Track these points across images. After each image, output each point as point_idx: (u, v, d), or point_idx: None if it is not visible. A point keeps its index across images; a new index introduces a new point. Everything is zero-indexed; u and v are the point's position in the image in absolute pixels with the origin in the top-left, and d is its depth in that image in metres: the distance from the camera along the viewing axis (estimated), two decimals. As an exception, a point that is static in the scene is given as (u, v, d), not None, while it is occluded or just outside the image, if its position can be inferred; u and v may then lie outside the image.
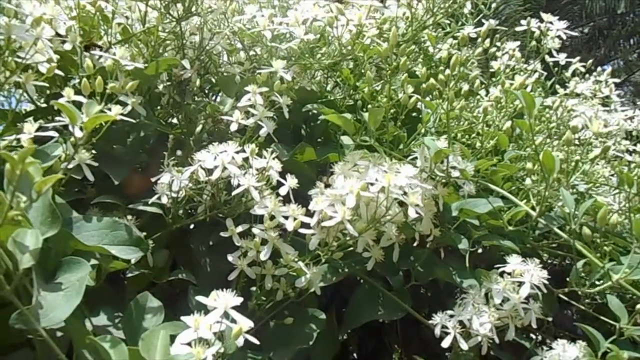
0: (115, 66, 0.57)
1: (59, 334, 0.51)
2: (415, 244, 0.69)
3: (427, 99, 0.71)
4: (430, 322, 0.61)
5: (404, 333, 1.08)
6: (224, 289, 0.64)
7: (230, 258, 0.58)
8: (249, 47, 0.74)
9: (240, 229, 0.58)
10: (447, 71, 0.58)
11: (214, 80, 0.80)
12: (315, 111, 0.85)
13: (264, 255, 0.54)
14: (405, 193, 0.53)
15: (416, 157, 0.65)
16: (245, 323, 0.41)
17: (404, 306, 0.66)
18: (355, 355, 1.15)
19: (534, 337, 0.78)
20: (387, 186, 0.52)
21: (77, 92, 0.54)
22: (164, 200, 0.59)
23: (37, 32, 0.48)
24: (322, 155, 0.74)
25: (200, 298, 0.43)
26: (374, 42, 0.65)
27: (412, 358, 1.15)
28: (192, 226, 0.69)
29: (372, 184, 0.53)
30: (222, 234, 0.58)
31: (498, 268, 0.64)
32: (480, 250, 0.82)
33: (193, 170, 0.58)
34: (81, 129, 0.46)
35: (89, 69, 0.53)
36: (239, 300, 0.42)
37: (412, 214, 0.52)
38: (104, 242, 0.49)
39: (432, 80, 0.59)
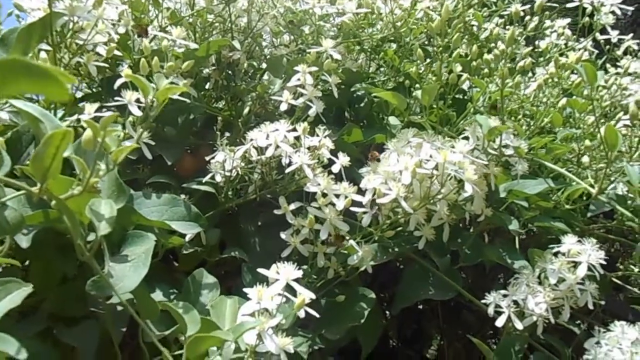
0: (168, 47, 0.58)
1: (119, 308, 0.53)
2: (467, 225, 0.68)
3: (476, 77, 0.70)
4: (482, 301, 0.61)
5: (444, 318, 1.07)
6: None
7: (283, 235, 0.58)
8: (295, 27, 0.74)
9: (293, 206, 0.58)
10: (501, 47, 0.57)
11: (256, 62, 0.81)
12: (359, 93, 0.85)
13: (322, 234, 0.54)
14: (461, 169, 0.52)
15: (466, 136, 0.64)
16: (307, 294, 0.41)
17: (455, 286, 0.65)
18: (394, 340, 1.15)
19: (579, 322, 0.76)
20: (442, 162, 0.51)
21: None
22: (218, 178, 0.59)
23: (98, 12, 0.49)
24: (368, 136, 0.74)
25: (262, 270, 0.44)
26: (422, 19, 0.64)
27: (452, 343, 1.14)
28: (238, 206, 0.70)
29: (426, 161, 0.53)
30: (275, 211, 0.58)
31: (552, 248, 0.62)
32: (523, 233, 0.80)
33: (246, 149, 0.58)
34: (141, 108, 0.47)
35: (146, 49, 0.54)
36: (299, 273, 0.43)
37: (468, 189, 0.52)
38: (163, 217, 0.51)
39: (485, 56, 0.58)
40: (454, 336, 1.11)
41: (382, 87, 0.86)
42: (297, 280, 0.43)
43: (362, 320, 0.60)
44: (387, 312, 0.94)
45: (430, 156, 0.53)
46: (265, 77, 0.79)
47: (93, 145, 0.31)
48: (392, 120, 0.72)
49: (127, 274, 0.40)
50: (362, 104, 0.85)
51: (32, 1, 0.49)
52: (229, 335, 0.35)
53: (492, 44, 0.87)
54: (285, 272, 0.42)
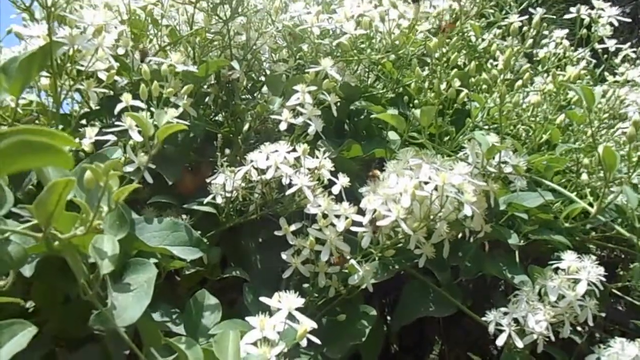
0: (169, 69, 0.58)
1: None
2: (465, 239, 0.68)
3: (474, 92, 0.70)
4: (483, 319, 0.61)
5: (446, 326, 1.07)
6: (275, 285, 0.66)
7: (284, 256, 0.59)
8: (293, 44, 0.74)
9: (293, 227, 0.58)
10: (499, 65, 0.57)
11: (255, 75, 0.81)
12: (358, 106, 0.85)
13: (324, 255, 0.54)
14: (459, 191, 0.53)
15: (465, 152, 0.64)
16: (309, 323, 0.42)
17: (455, 302, 0.66)
18: (396, 347, 1.16)
19: (580, 329, 0.76)
20: (441, 185, 0.51)
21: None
22: (219, 200, 0.60)
23: (98, 41, 0.49)
24: (367, 151, 0.75)
25: (264, 299, 0.44)
26: (418, 36, 0.64)
27: (453, 348, 1.14)
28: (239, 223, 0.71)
29: (426, 183, 0.53)
30: (276, 232, 0.59)
31: (551, 264, 0.63)
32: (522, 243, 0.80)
33: (246, 170, 0.59)
34: (141, 133, 0.47)
35: (145, 74, 0.54)
36: (301, 301, 0.43)
37: (467, 211, 0.52)
38: (165, 242, 0.51)
39: (484, 75, 0.58)
40: (455, 342, 1.12)
41: (381, 98, 0.86)
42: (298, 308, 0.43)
43: (364, 339, 0.61)
44: (389, 318, 0.95)
45: (430, 178, 0.53)
46: (264, 91, 0.80)
47: (94, 185, 0.31)
48: (392, 135, 0.73)
49: (130, 304, 0.41)
50: (361, 117, 0.85)
51: (32, 30, 0.49)
52: None
53: (489, 55, 0.88)
54: (287, 301, 0.43)
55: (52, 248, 0.44)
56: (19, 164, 0.17)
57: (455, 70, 0.61)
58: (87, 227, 0.30)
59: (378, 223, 0.53)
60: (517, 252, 0.73)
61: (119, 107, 0.54)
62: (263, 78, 0.79)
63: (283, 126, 0.63)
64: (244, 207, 0.65)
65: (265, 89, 0.79)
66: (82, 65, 0.51)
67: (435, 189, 0.52)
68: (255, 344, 0.41)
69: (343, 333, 0.61)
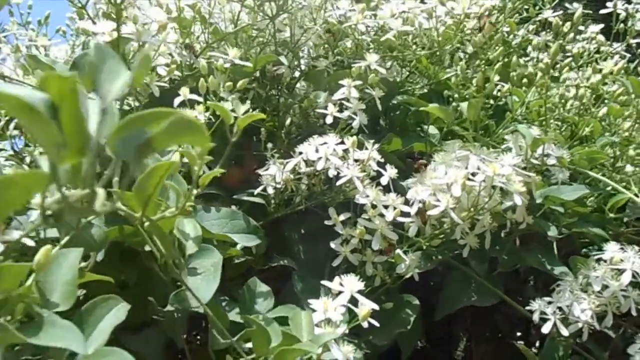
0: (219, 65, 0.60)
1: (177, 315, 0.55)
2: (498, 232, 0.69)
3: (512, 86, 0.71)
4: (527, 308, 0.62)
5: (474, 321, 1.08)
6: (319, 275, 0.68)
7: (332, 245, 0.61)
8: (333, 41, 0.76)
9: (342, 217, 0.60)
10: (545, 59, 0.58)
11: (291, 74, 0.83)
12: (394, 101, 0.87)
13: (374, 244, 0.56)
14: (508, 181, 0.54)
15: (507, 145, 0.66)
16: (371, 305, 0.43)
17: (497, 292, 0.67)
18: (422, 341, 1.17)
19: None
20: (491, 175, 0.53)
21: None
22: (270, 190, 0.62)
23: (162, 36, 0.52)
24: (407, 145, 0.76)
25: (327, 283, 0.46)
26: (463, 32, 0.65)
27: (480, 344, 1.15)
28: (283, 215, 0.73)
29: (475, 173, 0.54)
30: (326, 222, 0.60)
31: (593, 255, 0.64)
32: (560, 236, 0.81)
33: (296, 162, 0.60)
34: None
35: (203, 69, 0.56)
36: (362, 285, 0.45)
37: (517, 201, 0.53)
38: (224, 230, 0.53)
39: (529, 69, 0.60)
40: (482, 338, 1.12)
41: (414, 93, 0.88)
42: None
43: (409, 327, 0.62)
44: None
45: (478, 168, 0.54)
46: (298, 86, 0.82)
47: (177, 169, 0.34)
48: (432, 129, 0.74)
49: (200, 286, 0.43)
50: (397, 112, 0.87)
51: (98, 26, 0.52)
52: (314, 347, 0.37)
53: (524, 50, 0.89)
54: (349, 284, 0.44)
55: (123, 233, 0.46)
56: (178, 139, 0.19)
57: (499, 65, 0.63)
58: (180, 210, 0.32)
59: (429, 213, 0.55)
60: (554, 244, 0.75)
61: (177, 100, 0.56)
62: (297, 74, 0.81)
63: (329, 120, 0.65)
64: (290, 198, 0.67)
65: (299, 84, 0.81)
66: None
67: (486, 179, 0.53)
68: (318, 325, 0.43)
69: (390, 321, 0.62)
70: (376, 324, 0.45)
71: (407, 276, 0.62)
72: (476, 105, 0.58)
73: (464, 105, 0.62)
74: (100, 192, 0.20)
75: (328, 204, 0.63)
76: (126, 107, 0.74)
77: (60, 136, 0.17)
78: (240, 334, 0.50)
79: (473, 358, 1.11)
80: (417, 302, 0.65)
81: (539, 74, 0.62)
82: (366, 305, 0.43)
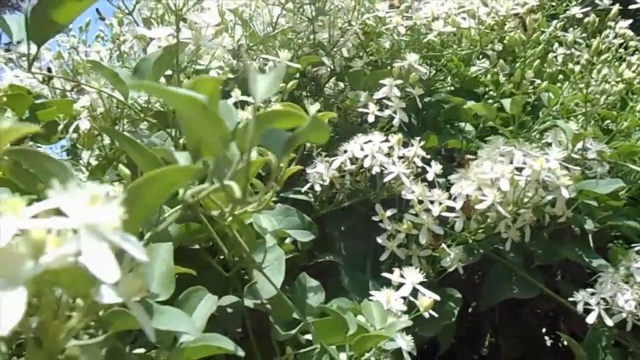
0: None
1: (229, 310, 0.57)
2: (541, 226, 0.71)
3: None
4: (570, 299, 0.64)
5: (502, 317, 1.09)
6: (361, 270, 0.69)
7: (379, 240, 0.62)
8: (367, 42, 0.78)
9: (389, 212, 0.62)
10: (585, 55, 0.60)
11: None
12: (426, 100, 0.88)
13: (422, 238, 0.58)
14: (554, 175, 0.55)
15: (546, 141, 0.67)
16: (433, 296, 0.45)
17: (539, 285, 0.68)
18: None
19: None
20: (538, 169, 0.54)
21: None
22: (317, 188, 0.63)
23: (218, 40, 0.54)
24: (442, 142, 0.78)
25: (387, 274, 0.48)
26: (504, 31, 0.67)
27: (506, 341, 1.16)
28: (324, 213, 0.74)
29: (521, 168, 0.56)
30: (373, 218, 0.62)
31: (634, 247, 0.65)
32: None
33: (342, 160, 0.62)
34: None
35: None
36: (422, 276, 0.47)
37: (565, 194, 0.55)
38: (280, 226, 0.55)
39: (569, 65, 0.61)
40: (509, 334, 1.14)
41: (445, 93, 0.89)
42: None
43: (453, 319, 0.64)
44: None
45: (524, 163, 0.56)
46: (330, 85, 0.83)
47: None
48: (468, 127, 0.76)
49: (266, 280, 0.45)
50: (429, 110, 0.88)
51: (155, 32, 0.54)
52: (393, 333, 0.39)
53: (551, 47, 0.90)
54: (410, 276, 0.46)
55: (190, 230, 0.48)
56: (310, 137, 0.21)
57: (539, 61, 0.64)
58: (264, 204, 0.34)
59: (476, 207, 0.56)
60: (590, 237, 0.76)
61: (230, 102, 0.58)
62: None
63: (371, 118, 0.67)
64: (333, 196, 0.69)
65: (330, 83, 0.83)
66: (199, 64, 0.55)
67: (533, 174, 0.55)
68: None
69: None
70: (435, 315, 0.47)
71: (451, 270, 0.64)
72: (520, 101, 0.60)
73: (506, 102, 0.64)
74: (234, 185, 0.22)
75: (373, 200, 0.64)
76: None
77: (227, 131, 0.19)
78: (300, 326, 0.52)
79: (500, 354, 1.12)
80: (459, 295, 0.66)
81: (577, 69, 0.63)
82: (429, 297, 0.45)
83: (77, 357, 0.16)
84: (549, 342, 1.24)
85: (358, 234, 0.73)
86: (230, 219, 0.35)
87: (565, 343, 1.14)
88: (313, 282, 0.61)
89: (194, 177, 0.21)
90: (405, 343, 0.43)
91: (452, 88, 0.90)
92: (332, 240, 0.75)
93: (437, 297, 0.46)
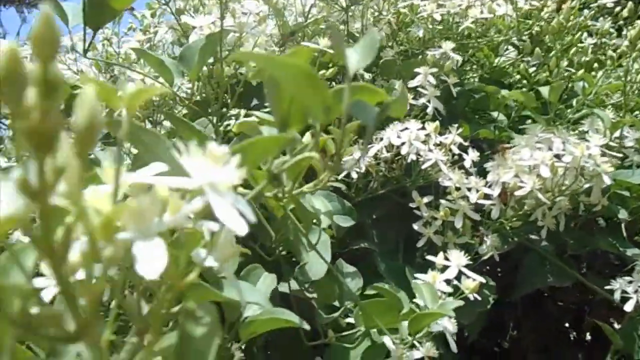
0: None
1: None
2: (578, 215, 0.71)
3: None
4: (607, 287, 0.64)
5: (524, 310, 1.09)
6: (394, 257, 0.70)
7: (415, 227, 0.63)
8: (399, 30, 0.78)
9: (426, 199, 0.62)
10: (625, 43, 0.60)
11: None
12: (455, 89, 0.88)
13: (457, 222, 0.58)
14: (594, 161, 0.55)
15: (582, 129, 0.67)
16: (479, 279, 0.46)
17: (574, 273, 0.68)
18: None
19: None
20: (579, 156, 0.54)
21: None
22: (354, 175, 0.64)
23: (261, 28, 0.54)
24: (473, 131, 0.78)
25: (431, 257, 0.48)
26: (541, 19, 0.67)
27: (529, 333, 1.16)
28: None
29: (560, 155, 0.56)
30: (411, 204, 0.62)
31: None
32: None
33: (379, 148, 0.63)
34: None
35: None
36: (467, 259, 0.47)
37: (607, 181, 0.55)
38: (322, 211, 0.55)
39: (609, 52, 0.61)
40: (530, 327, 1.13)
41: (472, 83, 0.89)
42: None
43: (489, 307, 0.64)
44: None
45: (564, 150, 0.56)
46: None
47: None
48: (500, 116, 0.76)
49: (314, 262, 0.45)
50: (458, 101, 0.88)
51: (198, 20, 0.55)
52: (449, 311, 0.39)
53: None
54: (455, 258, 0.47)
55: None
56: (397, 110, 0.22)
57: (575, 49, 0.64)
58: (322, 184, 0.34)
59: (516, 193, 0.56)
60: (623, 227, 0.75)
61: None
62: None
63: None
64: (367, 184, 0.69)
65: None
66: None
67: (574, 160, 0.55)
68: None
69: (470, 301, 0.64)
70: (478, 297, 0.47)
71: (486, 257, 0.64)
72: (558, 88, 0.60)
73: (544, 89, 0.64)
74: (317, 156, 0.22)
75: (409, 188, 0.65)
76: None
77: (329, 97, 0.20)
78: (341, 310, 0.52)
79: (521, 348, 1.12)
80: (493, 283, 0.67)
81: (614, 58, 0.63)
82: (474, 279, 0.45)
83: (193, 310, 0.17)
84: (572, 336, 1.23)
85: (390, 222, 0.73)
86: (286, 199, 0.36)
87: (589, 337, 1.14)
88: (350, 268, 0.61)
89: (283, 146, 0.21)
90: (452, 325, 0.44)
91: (478, 79, 0.90)
92: (364, 228, 0.76)
93: (483, 280, 0.47)
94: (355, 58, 0.21)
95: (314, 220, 0.41)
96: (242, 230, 0.15)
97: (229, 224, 0.15)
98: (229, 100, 0.60)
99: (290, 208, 0.42)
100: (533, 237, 0.70)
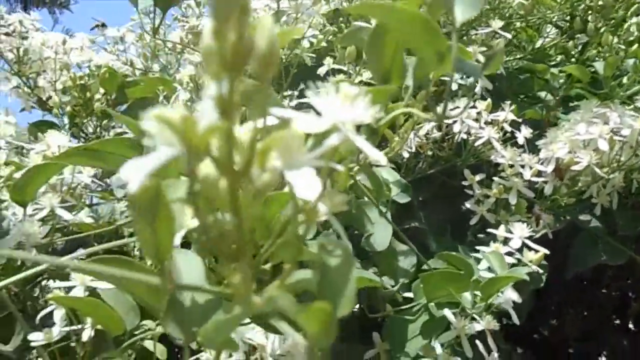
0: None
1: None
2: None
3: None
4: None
5: (568, 296, 1.08)
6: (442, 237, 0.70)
7: (468, 205, 0.63)
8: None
9: (478, 177, 0.62)
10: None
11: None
12: (498, 72, 0.88)
13: (512, 200, 0.58)
14: (653, 136, 0.55)
15: (635, 105, 0.66)
16: (543, 250, 0.46)
17: (627, 252, 0.68)
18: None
19: None
20: (638, 128, 0.54)
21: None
22: (405, 155, 0.65)
23: (316, 8, 0.55)
24: (520, 112, 0.78)
25: (492, 230, 0.49)
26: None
27: (571, 319, 1.14)
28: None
29: (616, 130, 0.55)
30: (463, 182, 0.63)
31: None
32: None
33: (429, 127, 0.63)
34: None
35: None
36: (529, 231, 0.47)
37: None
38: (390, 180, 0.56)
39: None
40: (573, 313, 1.12)
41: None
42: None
43: (542, 284, 0.64)
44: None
45: (621, 124, 0.55)
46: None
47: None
48: (547, 96, 0.75)
49: (379, 233, 0.46)
50: (502, 82, 0.88)
51: (254, 3, 0.56)
52: (522, 275, 0.40)
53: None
54: (518, 230, 0.47)
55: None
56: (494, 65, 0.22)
57: (629, 24, 0.63)
58: (393, 152, 0.35)
59: (572, 168, 0.56)
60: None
61: (322, 69, 0.60)
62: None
63: (454, 86, 0.67)
64: (416, 164, 0.70)
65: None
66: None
67: (632, 134, 0.54)
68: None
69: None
70: (540, 270, 0.47)
71: (538, 235, 0.64)
72: (613, 62, 0.59)
73: (599, 65, 0.63)
74: (416, 111, 0.23)
75: (459, 167, 0.65)
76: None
77: (445, 44, 0.20)
78: (399, 285, 0.53)
79: (563, 334, 1.11)
80: (545, 262, 0.67)
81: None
82: (538, 250, 0.46)
83: (327, 244, 0.18)
84: (616, 323, 1.21)
85: (436, 203, 0.74)
86: (356, 168, 0.37)
87: (633, 324, 1.12)
88: (402, 246, 0.62)
89: (390, 98, 0.22)
90: (516, 295, 0.44)
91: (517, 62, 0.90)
92: (413, 209, 0.77)
93: (546, 251, 0.47)
94: (461, 9, 0.22)
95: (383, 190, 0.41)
96: (382, 161, 0.16)
97: (370, 154, 0.16)
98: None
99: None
100: (583, 218, 0.70)
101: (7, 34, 0.78)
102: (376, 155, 0.16)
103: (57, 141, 0.50)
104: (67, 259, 0.30)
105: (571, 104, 0.71)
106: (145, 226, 0.15)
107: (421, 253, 0.68)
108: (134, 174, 0.12)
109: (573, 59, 0.75)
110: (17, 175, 0.49)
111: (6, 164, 0.50)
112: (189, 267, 0.22)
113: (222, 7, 0.13)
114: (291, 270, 0.18)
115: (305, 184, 0.15)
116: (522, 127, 0.63)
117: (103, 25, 0.81)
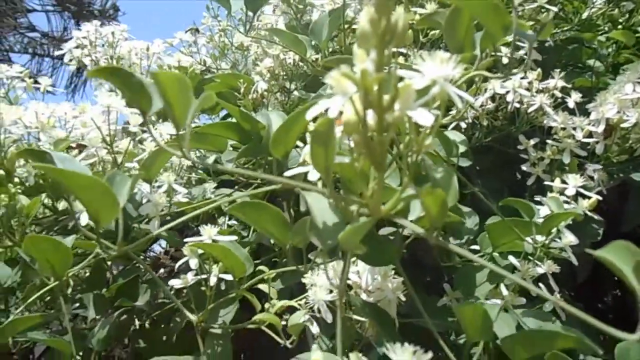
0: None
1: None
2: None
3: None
4: None
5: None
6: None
7: (524, 167, 0.69)
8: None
9: (532, 142, 0.68)
10: None
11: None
12: (546, 45, 0.92)
13: (565, 159, 0.63)
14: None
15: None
16: (596, 196, 0.51)
17: (683, 206, 0.71)
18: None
19: None
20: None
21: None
22: (463, 125, 0.71)
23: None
24: (568, 81, 0.82)
25: (548, 182, 0.55)
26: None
27: (627, 295, 1.15)
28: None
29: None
30: (519, 147, 0.68)
31: None
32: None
33: (484, 99, 0.69)
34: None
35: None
36: (583, 180, 0.53)
37: None
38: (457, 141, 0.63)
39: None
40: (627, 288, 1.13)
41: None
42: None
43: (599, 238, 0.69)
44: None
45: (668, 82, 0.59)
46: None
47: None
48: (597, 63, 0.79)
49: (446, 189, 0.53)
50: (549, 55, 0.92)
51: (320, -2, 0.64)
52: (581, 211, 0.46)
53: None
54: (572, 180, 0.53)
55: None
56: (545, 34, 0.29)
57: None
58: (459, 115, 0.42)
59: (622, 125, 0.61)
60: None
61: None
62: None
63: (505, 60, 0.73)
64: (472, 134, 0.76)
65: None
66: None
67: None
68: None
69: (582, 232, 0.69)
70: (595, 216, 0.53)
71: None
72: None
73: (644, 29, 0.67)
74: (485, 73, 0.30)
75: (513, 134, 0.71)
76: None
77: (510, 20, 0.28)
78: (465, 239, 0.60)
79: (626, 305, 1.12)
80: (600, 218, 0.71)
81: None
82: (592, 197, 0.51)
83: (431, 165, 0.26)
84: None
85: (493, 172, 0.79)
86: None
87: None
88: (465, 209, 0.69)
89: (468, 62, 0.29)
90: (574, 237, 0.50)
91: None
92: (470, 178, 0.82)
93: (599, 197, 0.52)
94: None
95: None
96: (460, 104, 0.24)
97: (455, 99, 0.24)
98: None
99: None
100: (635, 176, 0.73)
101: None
102: (460, 102, 0.24)
103: (168, 130, 0.60)
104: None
105: (621, 70, 0.75)
106: (320, 149, 0.23)
107: (480, 217, 0.74)
108: (330, 106, 0.20)
109: (620, 27, 0.79)
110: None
111: (127, 153, 0.60)
112: (319, 203, 0.30)
113: (383, 2, 0.21)
114: (412, 179, 0.25)
115: (424, 115, 0.23)
116: (572, 93, 0.68)
117: (197, 30, 0.92)
